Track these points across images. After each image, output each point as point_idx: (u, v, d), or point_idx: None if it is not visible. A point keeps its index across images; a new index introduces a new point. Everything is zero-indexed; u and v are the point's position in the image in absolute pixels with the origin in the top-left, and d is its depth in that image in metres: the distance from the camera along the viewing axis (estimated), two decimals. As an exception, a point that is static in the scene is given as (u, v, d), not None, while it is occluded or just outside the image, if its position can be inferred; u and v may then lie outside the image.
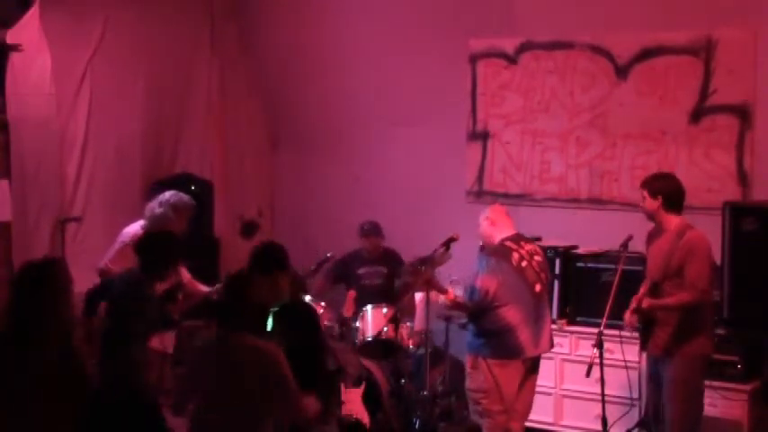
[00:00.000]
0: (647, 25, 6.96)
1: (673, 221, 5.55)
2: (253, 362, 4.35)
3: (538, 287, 5.71)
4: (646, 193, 5.60)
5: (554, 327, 6.79)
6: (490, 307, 5.57)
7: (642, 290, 5.62)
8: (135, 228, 6.30)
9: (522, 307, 5.61)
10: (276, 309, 4.96)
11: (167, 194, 6.30)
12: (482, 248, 5.82)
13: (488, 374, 5.61)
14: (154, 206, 6.26)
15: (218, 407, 4.37)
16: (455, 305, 5.89)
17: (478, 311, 5.63)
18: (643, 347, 5.72)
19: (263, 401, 4.34)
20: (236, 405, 4.33)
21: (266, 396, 4.34)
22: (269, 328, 4.91)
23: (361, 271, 7.63)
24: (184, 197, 6.36)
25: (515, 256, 5.66)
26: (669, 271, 5.46)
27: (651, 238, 5.74)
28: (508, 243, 5.72)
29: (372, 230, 7.57)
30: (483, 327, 5.64)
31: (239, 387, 4.33)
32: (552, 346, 5.94)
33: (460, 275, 6.09)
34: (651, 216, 5.64)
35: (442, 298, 5.99)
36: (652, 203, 5.58)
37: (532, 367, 5.77)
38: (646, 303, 5.49)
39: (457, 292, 5.95)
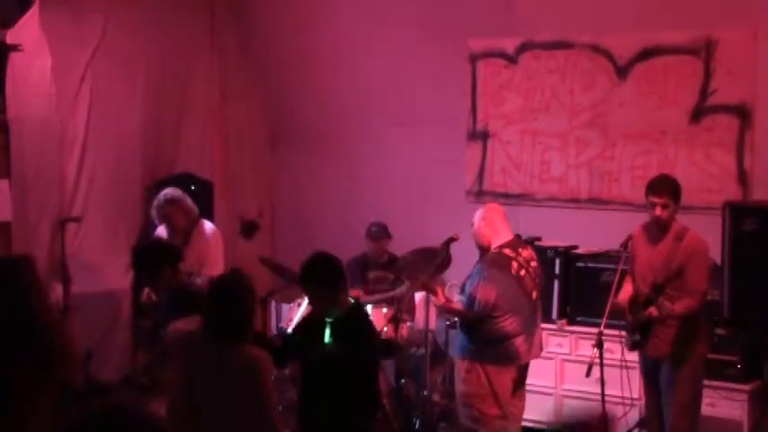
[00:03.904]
0: (647, 25, 6.95)
1: (675, 223, 5.54)
2: (239, 371, 4.25)
3: (534, 294, 5.67)
4: (669, 200, 5.39)
5: (554, 327, 6.83)
6: (489, 317, 5.51)
7: (628, 287, 5.59)
8: None
9: (520, 316, 5.56)
10: (334, 318, 4.90)
11: (161, 193, 6.42)
12: (481, 258, 5.66)
13: (484, 379, 5.55)
14: (152, 207, 6.42)
15: (194, 406, 4.30)
16: (447, 310, 5.84)
17: (476, 321, 5.56)
18: (631, 347, 5.62)
19: (241, 407, 4.25)
20: (211, 406, 4.26)
21: (244, 402, 4.26)
22: (327, 337, 4.87)
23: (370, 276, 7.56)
24: (164, 193, 6.41)
25: (514, 265, 5.57)
26: (670, 274, 5.41)
27: (646, 239, 5.64)
28: (507, 251, 5.61)
29: (381, 234, 7.45)
30: (480, 335, 5.58)
31: (219, 392, 4.24)
32: (542, 350, 5.91)
33: (459, 277, 6.06)
34: (669, 222, 5.47)
35: (433, 299, 5.94)
36: (675, 208, 5.44)
37: (523, 372, 5.75)
38: (665, 312, 5.36)
39: (455, 296, 5.91)
